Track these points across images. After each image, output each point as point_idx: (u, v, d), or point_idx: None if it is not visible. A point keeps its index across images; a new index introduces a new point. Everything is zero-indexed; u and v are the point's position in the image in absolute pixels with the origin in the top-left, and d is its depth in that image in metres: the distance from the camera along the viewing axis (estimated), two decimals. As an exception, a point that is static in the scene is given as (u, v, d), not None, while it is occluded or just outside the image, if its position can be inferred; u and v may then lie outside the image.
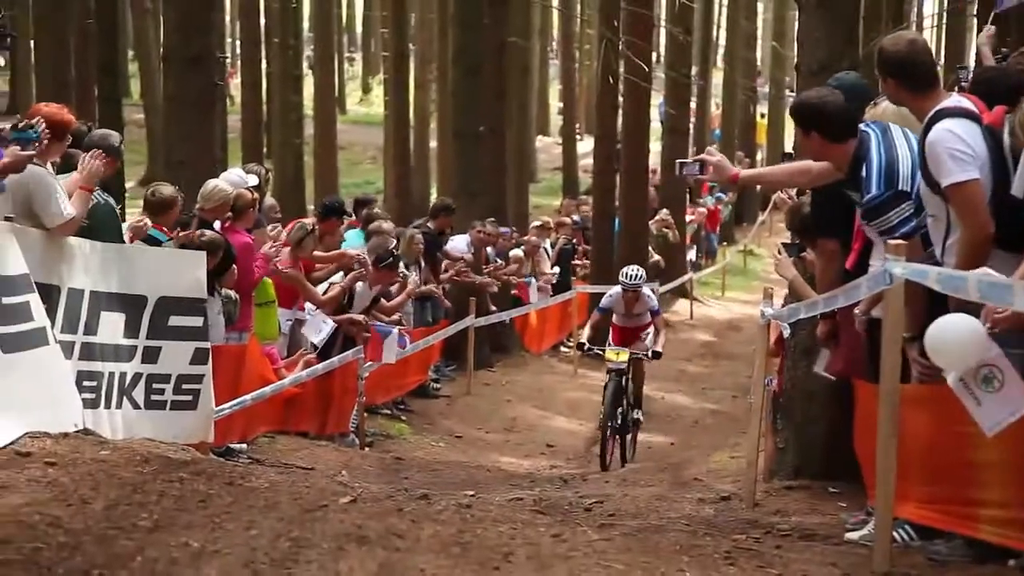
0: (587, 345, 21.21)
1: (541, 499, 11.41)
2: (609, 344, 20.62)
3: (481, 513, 9.02)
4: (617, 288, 20.61)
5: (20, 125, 10.30)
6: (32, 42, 40.91)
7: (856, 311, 8.72)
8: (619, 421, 19.47)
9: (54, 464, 9.22)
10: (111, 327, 11.92)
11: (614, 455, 19.61)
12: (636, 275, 20.25)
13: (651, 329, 21.09)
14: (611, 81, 31.91)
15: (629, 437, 20.32)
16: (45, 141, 10.55)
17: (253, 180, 17.22)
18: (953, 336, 7.40)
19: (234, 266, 14.61)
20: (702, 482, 14.94)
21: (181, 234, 13.90)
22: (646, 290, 20.91)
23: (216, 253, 13.85)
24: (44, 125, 10.80)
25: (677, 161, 10.58)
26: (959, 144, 7.98)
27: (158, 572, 6.80)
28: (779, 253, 11.05)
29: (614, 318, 21.20)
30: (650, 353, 20.39)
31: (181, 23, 23.23)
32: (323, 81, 44.49)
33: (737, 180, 9.88)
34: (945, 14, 32.53)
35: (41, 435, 10.05)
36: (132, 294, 12.12)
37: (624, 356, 19.42)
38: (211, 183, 15.76)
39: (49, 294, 11.09)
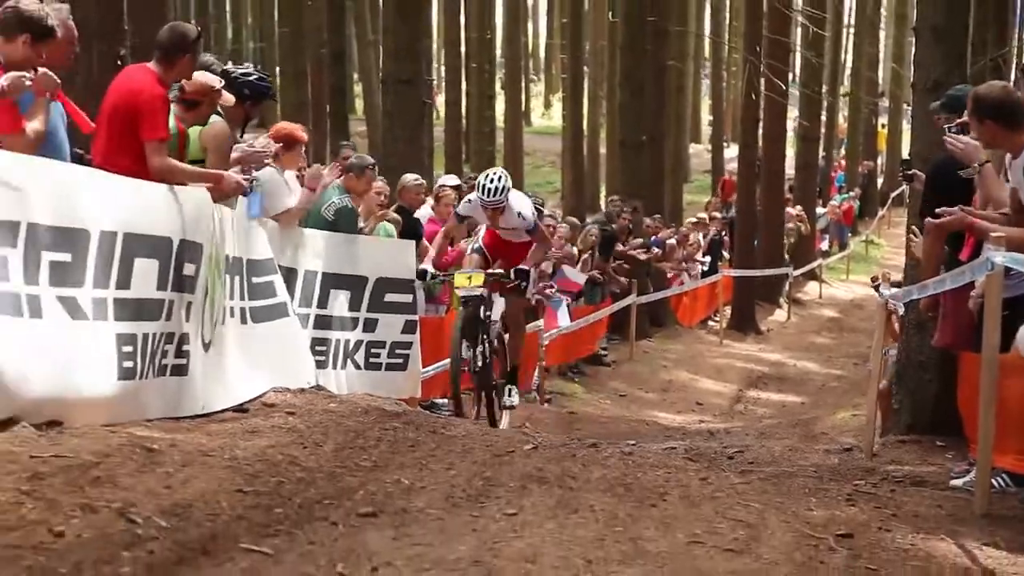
0: (429, 272, 13.42)
1: (691, 448, 11.39)
2: (467, 265, 13.83)
3: (641, 459, 9.01)
4: (475, 195, 13.52)
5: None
6: (278, 69, 41.45)
7: (972, 293, 8.58)
8: (479, 364, 13.22)
9: (293, 414, 9.38)
10: (339, 302, 12.14)
11: (479, 409, 13.72)
12: (497, 188, 13.09)
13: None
14: (753, 97, 31.74)
15: (508, 390, 14.08)
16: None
17: (453, 180, 17.56)
18: None
19: (424, 242, 14.80)
20: (828, 436, 14.79)
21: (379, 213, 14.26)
22: (515, 201, 13.53)
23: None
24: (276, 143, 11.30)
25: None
26: None
27: (376, 503, 6.88)
28: (915, 236, 10.76)
29: (488, 223, 14.02)
30: (512, 272, 13.29)
31: (397, 51, 23.62)
32: (512, 99, 44.69)
33: None
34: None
35: (283, 390, 10.25)
36: (356, 275, 12.33)
37: (479, 279, 13.01)
38: (406, 175, 16.25)
39: (290, 275, 11.34)
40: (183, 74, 9.65)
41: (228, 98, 10.39)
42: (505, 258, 13.71)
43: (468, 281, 13.13)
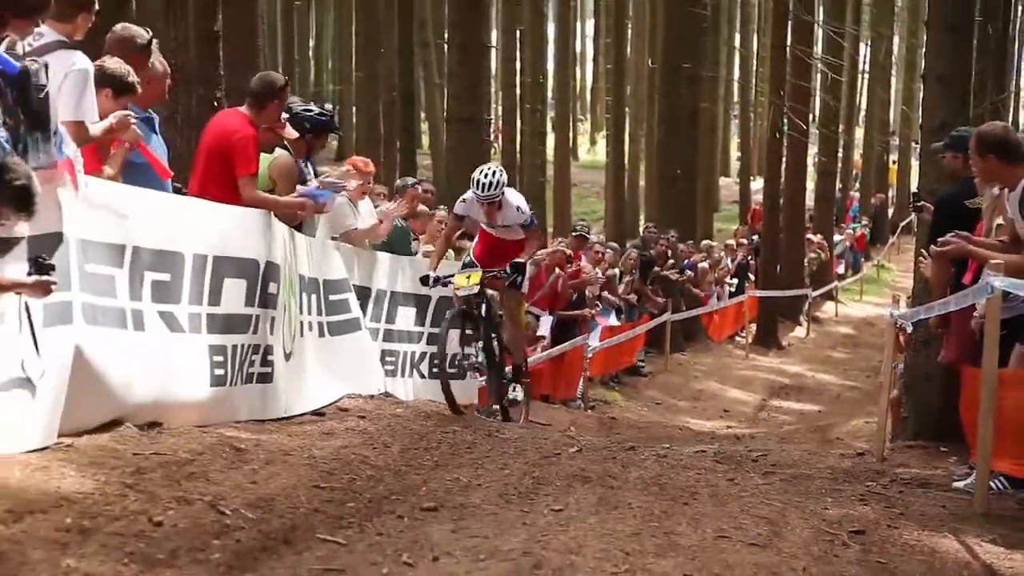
0: (432, 276, 11.71)
1: (719, 452, 11.31)
2: (466, 265, 12.04)
3: (674, 461, 9.00)
4: (471, 192, 11.87)
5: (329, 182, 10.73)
6: (354, 108, 41.64)
7: (974, 314, 8.55)
8: (482, 358, 11.65)
9: (364, 418, 9.44)
10: (405, 318, 12.19)
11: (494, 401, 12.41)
12: (492, 183, 11.63)
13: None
14: (777, 136, 31.68)
15: (512, 387, 12.52)
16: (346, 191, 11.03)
17: None
18: None
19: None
20: (842, 441, 14.72)
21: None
22: (512, 197, 12.15)
23: None
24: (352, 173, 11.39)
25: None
26: None
27: (437, 499, 6.91)
28: (924, 258, 10.59)
29: (481, 226, 12.52)
30: (507, 267, 11.88)
31: (459, 94, 23.81)
32: (561, 136, 44.67)
33: None
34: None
35: (355, 396, 10.33)
36: (420, 294, 12.35)
37: (476, 277, 11.48)
38: None
39: (363, 293, 11.39)
40: (272, 117, 9.74)
41: (290, 132, 10.45)
42: (501, 262, 12.09)
43: (467, 280, 11.50)
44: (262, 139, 10.17)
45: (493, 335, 12.03)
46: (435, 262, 11.96)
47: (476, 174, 11.81)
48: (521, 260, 12.05)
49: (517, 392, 12.58)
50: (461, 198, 12.22)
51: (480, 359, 11.71)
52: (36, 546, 5.17)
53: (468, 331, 11.67)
